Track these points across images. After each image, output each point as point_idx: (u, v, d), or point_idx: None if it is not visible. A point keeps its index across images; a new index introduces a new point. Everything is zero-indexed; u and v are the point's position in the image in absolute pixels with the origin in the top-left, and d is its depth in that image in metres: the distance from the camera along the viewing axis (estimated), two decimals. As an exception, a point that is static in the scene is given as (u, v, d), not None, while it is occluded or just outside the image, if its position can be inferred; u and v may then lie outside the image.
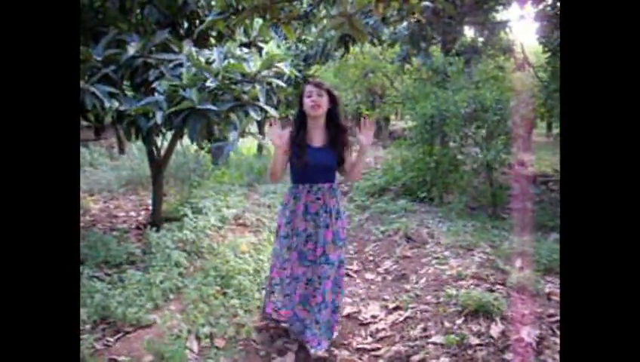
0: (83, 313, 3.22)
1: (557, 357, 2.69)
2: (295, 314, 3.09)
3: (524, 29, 38.33)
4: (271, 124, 2.96)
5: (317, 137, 2.95)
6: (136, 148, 10.18)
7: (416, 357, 2.91)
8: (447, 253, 4.49)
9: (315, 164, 2.89)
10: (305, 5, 4.90)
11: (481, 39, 10.52)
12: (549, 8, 6.29)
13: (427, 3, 5.24)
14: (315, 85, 2.91)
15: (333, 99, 2.93)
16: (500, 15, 10.03)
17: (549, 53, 8.94)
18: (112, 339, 3.05)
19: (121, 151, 11.33)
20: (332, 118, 2.95)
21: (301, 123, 2.95)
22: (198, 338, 3.10)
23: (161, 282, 3.73)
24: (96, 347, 2.93)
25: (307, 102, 2.87)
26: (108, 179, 8.02)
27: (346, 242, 3.13)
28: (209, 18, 4.05)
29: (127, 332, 3.14)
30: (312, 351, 2.97)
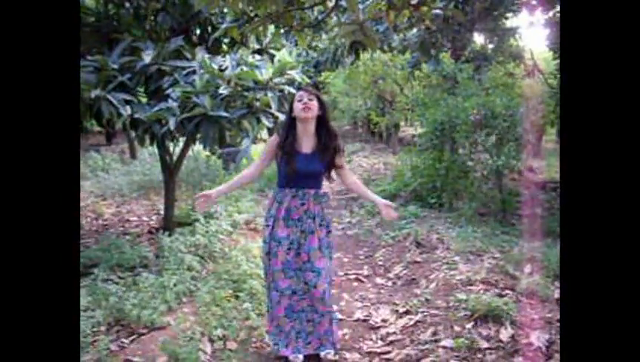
0: (98, 315, 3.28)
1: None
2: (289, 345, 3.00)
3: (534, 36, 38.19)
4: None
5: (306, 144, 2.94)
6: (147, 153, 10.28)
7: (426, 361, 2.93)
8: (456, 259, 4.51)
9: (304, 171, 2.89)
10: (316, 13, 4.95)
11: (490, 46, 10.54)
12: (558, 15, 6.30)
13: (437, 10, 5.28)
14: (306, 91, 2.94)
15: (322, 106, 2.94)
16: (510, 22, 10.05)
17: (558, 60, 8.94)
18: (126, 341, 3.12)
19: (133, 156, 11.43)
20: (322, 124, 2.96)
21: (289, 129, 2.96)
22: (211, 341, 3.14)
23: (175, 285, 3.78)
24: (112, 348, 2.99)
25: (298, 105, 2.87)
26: (120, 183, 8.10)
27: (332, 253, 3.11)
28: (223, 26, 4.12)
29: (142, 334, 3.21)
30: (322, 353, 3.01)
